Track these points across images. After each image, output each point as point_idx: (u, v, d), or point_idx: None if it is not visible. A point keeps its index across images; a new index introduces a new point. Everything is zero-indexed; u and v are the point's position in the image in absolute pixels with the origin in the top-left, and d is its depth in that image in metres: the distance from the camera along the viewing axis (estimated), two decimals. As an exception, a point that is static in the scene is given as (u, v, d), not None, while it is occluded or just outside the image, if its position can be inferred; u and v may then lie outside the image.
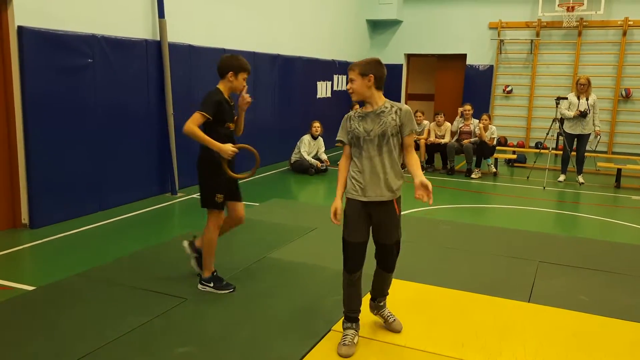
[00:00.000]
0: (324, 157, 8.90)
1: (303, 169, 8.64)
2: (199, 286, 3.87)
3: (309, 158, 8.65)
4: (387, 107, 2.98)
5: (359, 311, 3.14)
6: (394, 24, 13.28)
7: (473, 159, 8.89)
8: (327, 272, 4.23)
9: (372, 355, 3.01)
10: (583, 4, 11.16)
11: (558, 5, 11.36)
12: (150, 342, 3.11)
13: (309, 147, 8.79)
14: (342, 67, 11.70)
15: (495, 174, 9.05)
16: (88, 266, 4.28)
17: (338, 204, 3.00)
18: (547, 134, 8.62)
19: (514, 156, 10.02)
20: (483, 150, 8.92)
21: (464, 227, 5.71)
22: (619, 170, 8.36)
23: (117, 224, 5.65)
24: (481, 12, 12.49)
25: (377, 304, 3.27)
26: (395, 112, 2.97)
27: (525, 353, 3.06)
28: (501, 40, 12.38)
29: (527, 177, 8.68)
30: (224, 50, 7.81)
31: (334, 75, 11.47)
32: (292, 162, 8.86)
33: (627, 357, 3.05)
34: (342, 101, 11.61)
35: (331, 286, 3.93)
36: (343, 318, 3.15)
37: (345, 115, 3.10)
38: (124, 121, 6.21)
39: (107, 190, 6.05)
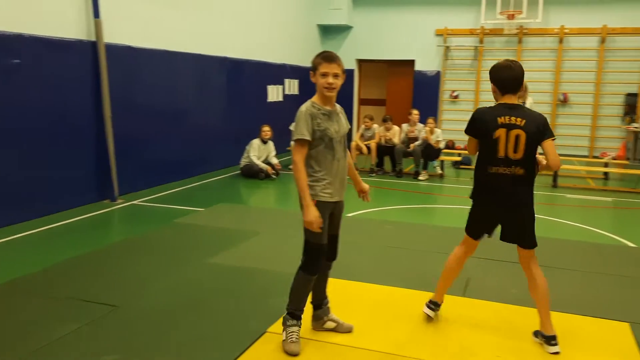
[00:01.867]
0: (274, 161, 8.83)
1: (252, 173, 8.56)
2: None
3: (258, 162, 8.58)
4: (337, 107, 2.99)
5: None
6: (344, 29, 13.40)
7: (420, 161, 9.05)
8: (267, 275, 4.19)
9: (317, 356, 2.97)
10: (522, 12, 11.58)
11: (499, 13, 11.74)
12: (76, 350, 2.98)
13: (259, 152, 8.71)
14: (294, 71, 11.68)
15: (441, 175, 9.22)
16: (11, 277, 4.05)
17: (316, 212, 2.79)
18: (490, 136, 8.85)
19: (459, 158, 10.26)
20: (429, 153, 9.09)
21: (408, 227, 5.78)
22: (556, 170, 8.65)
23: (49, 232, 5.39)
24: (427, 19, 12.77)
25: (325, 306, 3.20)
26: (342, 113, 3.00)
27: (461, 345, 3.10)
28: (447, 47, 12.69)
29: (472, 178, 8.86)
30: (166, 52, 7.66)
31: (285, 80, 11.45)
32: (241, 166, 8.77)
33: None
34: (294, 105, 11.56)
35: (269, 289, 3.90)
36: (286, 317, 3.04)
37: (305, 110, 2.83)
38: (57, 125, 5.96)
39: (39, 198, 5.79)
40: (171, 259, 4.54)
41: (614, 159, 10.68)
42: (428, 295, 3.49)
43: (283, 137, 10.30)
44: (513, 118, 2.97)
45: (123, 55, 6.83)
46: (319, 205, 2.85)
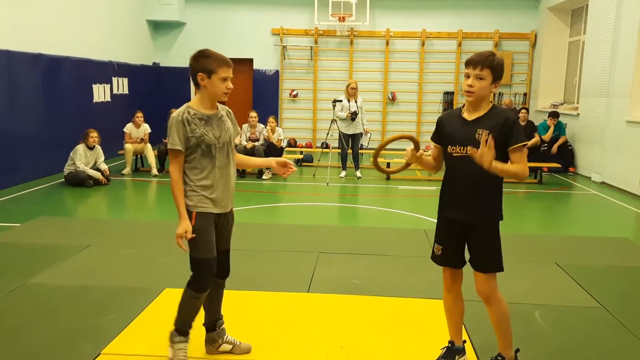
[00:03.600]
0: (103, 167, 8.12)
1: (79, 181, 7.76)
2: None
3: (86, 169, 7.81)
4: (221, 111, 2.75)
5: None
6: (177, 25, 12.87)
7: (263, 160, 9.03)
8: (100, 291, 3.81)
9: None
10: (352, 15, 12.21)
11: (331, 15, 12.23)
12: None
13: (85, 158, 7.93)
14: (122, 69, 10.88)
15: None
16: None
17: (189, 225, 2.60)
18: (328, 134, 9.21)
19: (302, 156, 10.50)
20: (272, 152, 9.12)
21: (252, 227, 5.69)
22: (388, 164, 9.29)
23: None
24: (263, 17, 12.82)
25: (220, 328, 2.94)
26: (228, 115, 2.78)
27: (306, 341, 3.10)
28: (284, 47, 12.88)
29: (314, 175, 9.13)
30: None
31: (113, 78, 10.61)
32: (65, 174, 7.90)
33: (388, 329, 3.28)
34: (124, 105, 10.81)
35: (102, 307, 3.55)
36: (173, 333, 2.78)
37: (176, 117, 2.60)
38: None
39: None
40: (-22, 285, 3.88)
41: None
42: (269, 295, 3.43)
43: (113, 139, 9.57)
44: None
45: None
46: (199, 216, 2.65)
